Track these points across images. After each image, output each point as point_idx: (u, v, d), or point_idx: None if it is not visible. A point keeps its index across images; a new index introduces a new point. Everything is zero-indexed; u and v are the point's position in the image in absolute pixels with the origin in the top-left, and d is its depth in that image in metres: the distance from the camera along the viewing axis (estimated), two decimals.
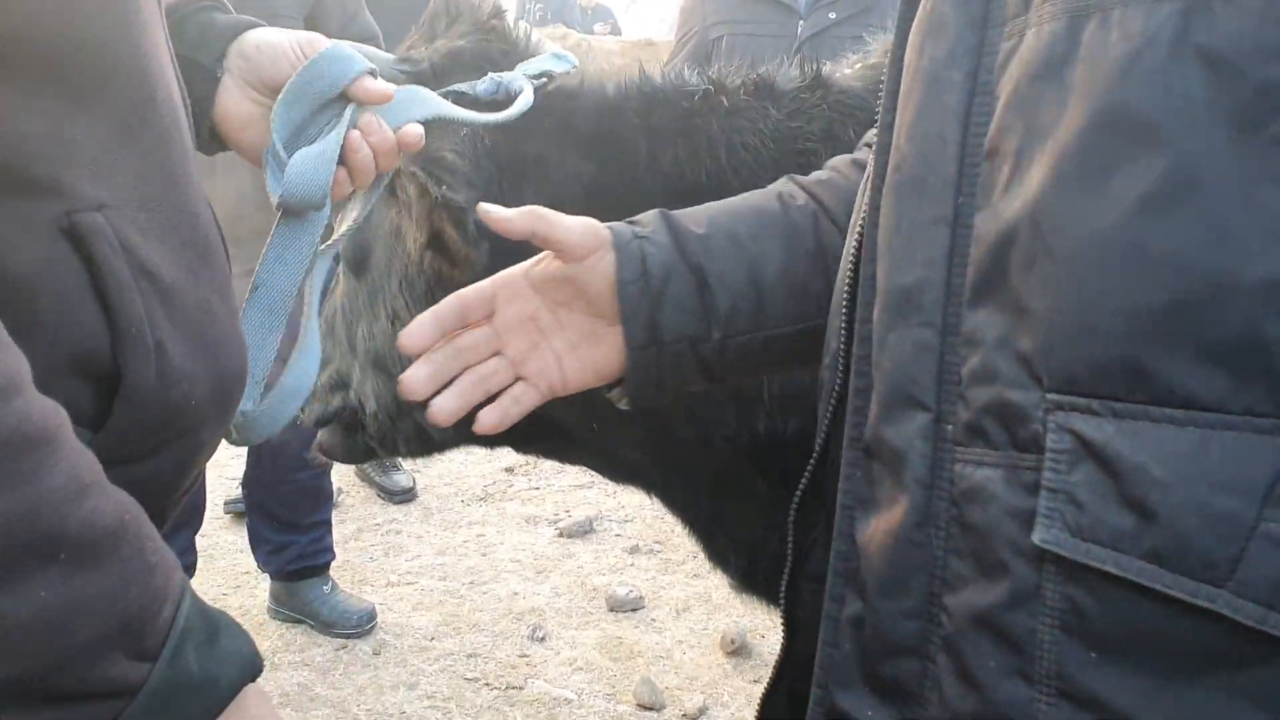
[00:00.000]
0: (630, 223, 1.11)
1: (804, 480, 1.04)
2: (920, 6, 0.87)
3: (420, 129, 1.14)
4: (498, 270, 1.12)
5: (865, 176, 1.01)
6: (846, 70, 1.51)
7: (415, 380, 1.06)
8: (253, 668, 0.81)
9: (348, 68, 1.07)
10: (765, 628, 3.39)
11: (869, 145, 1.22)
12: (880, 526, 0.85)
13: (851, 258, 0.98)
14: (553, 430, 1.48)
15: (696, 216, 1.13)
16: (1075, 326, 0.72)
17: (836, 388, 1.01)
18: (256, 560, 3.44)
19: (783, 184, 1.19)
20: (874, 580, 0.85)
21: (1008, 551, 0.75)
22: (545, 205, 1.12)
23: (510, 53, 1.49)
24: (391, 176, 1.31)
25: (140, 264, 0.84)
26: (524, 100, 1.32)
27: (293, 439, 2.88)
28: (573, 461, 1.66)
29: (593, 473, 4.74)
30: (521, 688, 3.09)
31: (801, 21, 3.44)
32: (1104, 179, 0.71)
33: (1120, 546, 0.70)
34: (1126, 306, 0.70)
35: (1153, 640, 0.70)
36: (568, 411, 1.37)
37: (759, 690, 3.34)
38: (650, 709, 2.98)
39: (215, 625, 0.80)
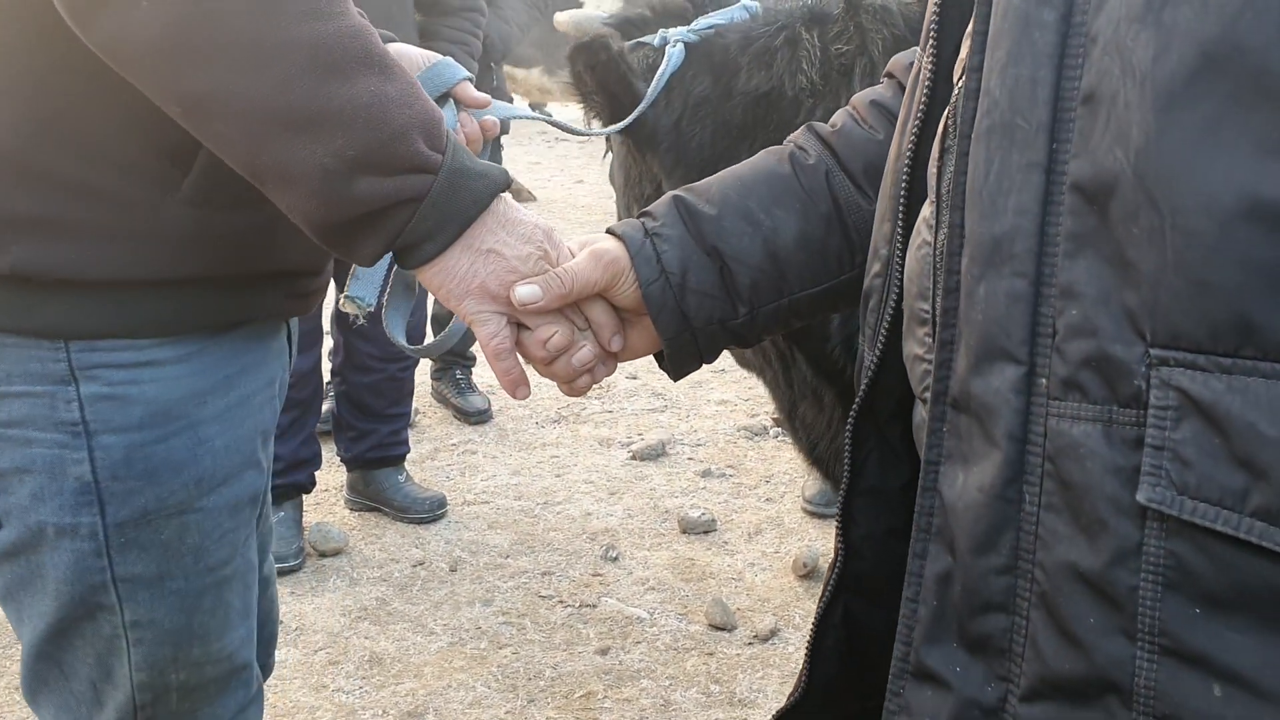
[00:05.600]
0: (644, 215, 1.18)
1: (859, 398, 1.04)
2: None
3: (496, 121, 1.54)
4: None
5: (912, 104, 1.00)
6: None
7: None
8: (506, 177, 1.10)
9: (455, 73, 1.46)
10: None
11: (890, 75, 1.28)
12: (970, 483, 0.83)
13: (907, 163, 0.98)
14: None
15: (709, 194, 1.19)
16: (1183, 281, 0.69)
17: (891, 304, 1.00)
18: (337, 448, 3.65)
19: (800, 136, 1.25)
20: (964, 537, 0.84)
21: (1108, 508, 0.73)
22: (678, 107, 1.81)
23: (703, 4, 2.04)
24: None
25: None
26: (654, 85, 1.87)
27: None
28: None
29: (665, 398, 4.74)
30: (595, 605, 3.13)
31: None
32: (1214, 128, 0.67)
33: (1229, 504, 0.68)
34: (1238, 260, 0.66)
35: (1264, 597, 0.68)
36: None
37: None
38: (722, 629, 3.01)
39: (468, 153, 1.08)
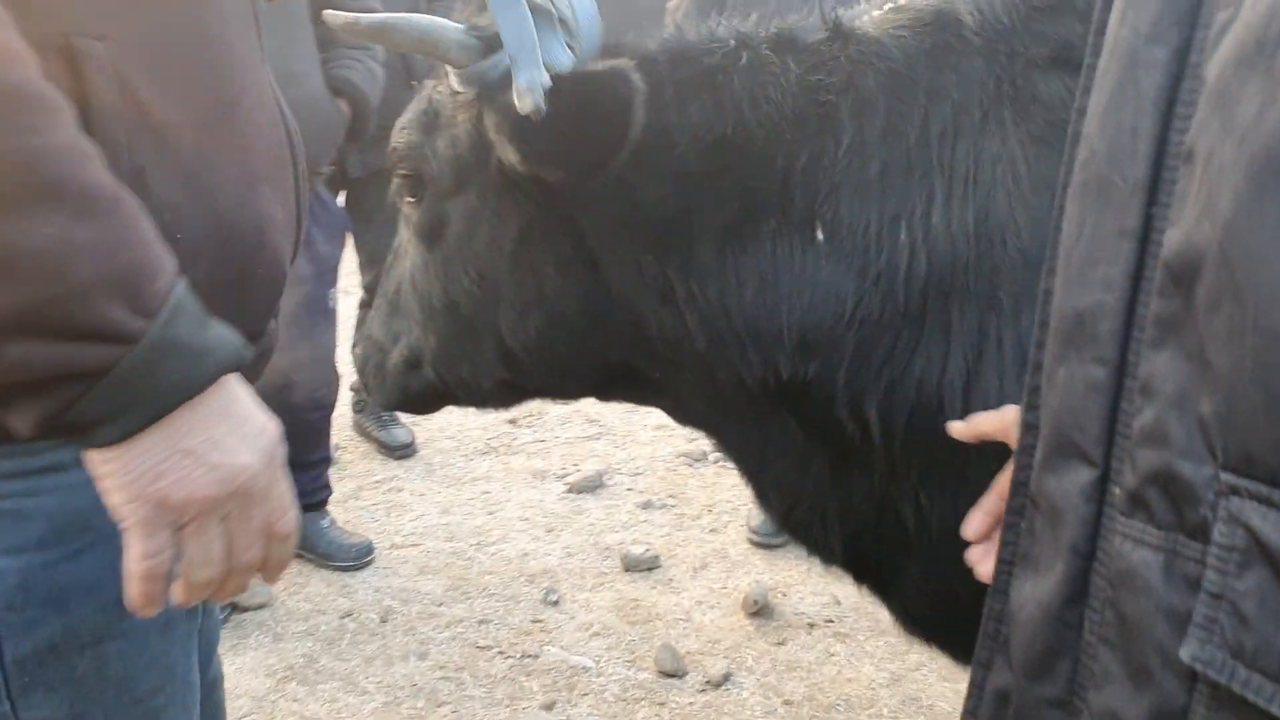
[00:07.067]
0: None
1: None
2: None
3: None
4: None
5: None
6: (872, 14, 1.50)
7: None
8: (240, 355, 0.89)
9: None
10: (786, 585, 3.27)
11: None
12: (1033, 594, 0.73)
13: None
14: (631, 376, 1.64)
15: None
16: (1260, 393, 0.57)
17: None
18: None
19: None
20: (1021, 655, 0.73)
21: (1155, 658, 0.62)
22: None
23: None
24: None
25: (134, 96, 0.93)
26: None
27: (306, 379, 3.15)
28: (649, 404, 1.79)
29: (600, 424, 4.57)
30: (537, 655, 2.96)
31: None
32: None
33: None
34: None
35: None
36: (641, 359, 1.58)
37: (783, 653, 3.22)
38: (672, 676, 2.86)
39: (206, 316, 0.88)
